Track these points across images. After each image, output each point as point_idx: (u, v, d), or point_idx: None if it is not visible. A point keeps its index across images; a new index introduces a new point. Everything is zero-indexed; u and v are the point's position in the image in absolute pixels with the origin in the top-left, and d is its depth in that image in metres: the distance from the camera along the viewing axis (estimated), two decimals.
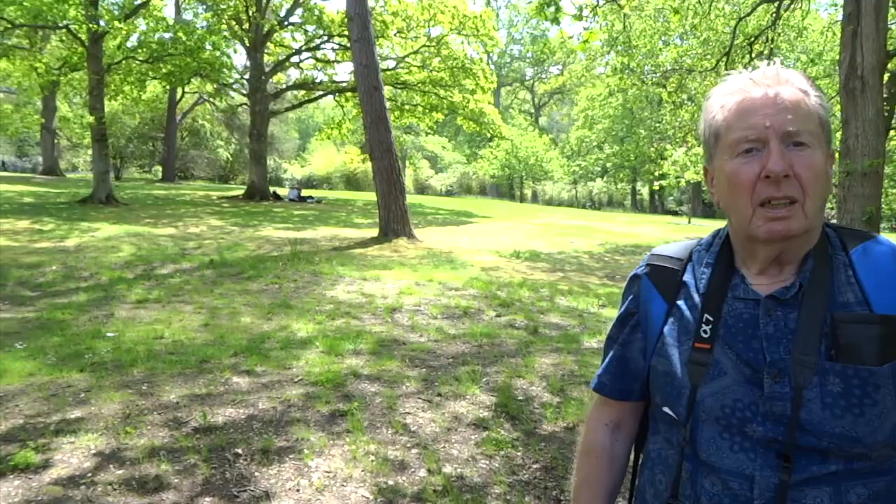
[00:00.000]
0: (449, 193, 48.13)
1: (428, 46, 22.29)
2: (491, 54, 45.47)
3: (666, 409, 1.10)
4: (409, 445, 3.61)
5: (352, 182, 43.29)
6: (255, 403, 4.14)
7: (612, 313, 7.74)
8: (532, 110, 58.09)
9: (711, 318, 1.06)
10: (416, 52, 22.72)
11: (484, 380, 4.76)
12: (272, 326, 6.31)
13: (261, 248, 11.74)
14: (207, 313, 6.83)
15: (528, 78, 56.47)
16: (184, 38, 17.28)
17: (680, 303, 1.13)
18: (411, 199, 15.04)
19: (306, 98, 27.01)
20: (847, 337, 0.97)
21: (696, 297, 1.11)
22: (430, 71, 22.48)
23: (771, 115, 0.99)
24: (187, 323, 6.40)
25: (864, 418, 0.94)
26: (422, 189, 47.55)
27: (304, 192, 26.10)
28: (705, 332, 1.05)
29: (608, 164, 44.69)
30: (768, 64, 1.06)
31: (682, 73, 18.42)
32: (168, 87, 25.57)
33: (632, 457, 1.29)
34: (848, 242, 1.06)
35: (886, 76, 13.58)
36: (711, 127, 1.09)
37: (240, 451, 3.44)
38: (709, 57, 18.23)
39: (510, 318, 7.15)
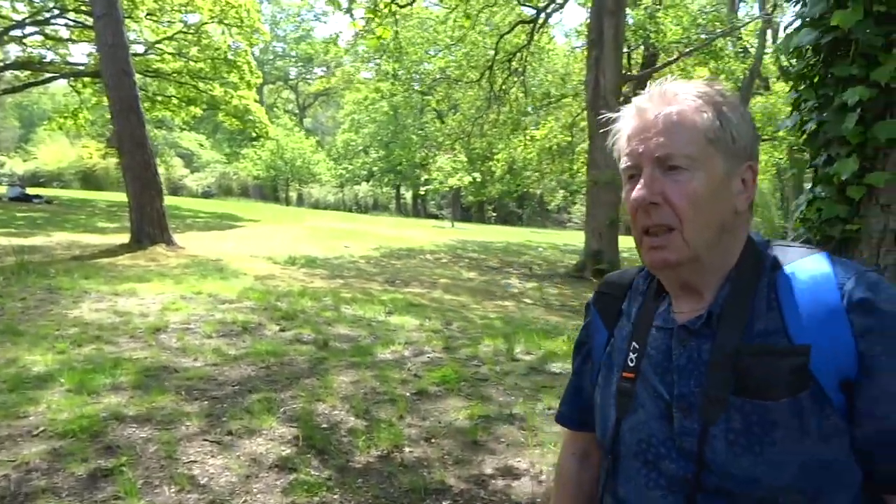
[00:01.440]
0: (206, 195, 44.87)
1: (185, 33, 20.33)
2: (253, 49, 43.34)
3: (600, 441, 1.10)
4: None
5: (90, 180, 38.08)
6: None
7: (399, 320, 7.59)
8: (297, 111, 56.73)
9: (638, 347, 1.02)
10: (170, 39, 20.58)
11: (281, 409, 4.19)
12: None
13: None
14: None
15: (292, 77, 54.99)
16: None
17: (616, 332, 1.10)
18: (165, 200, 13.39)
19: (31, 80, 23.02)
20: (749, 369, 0.89)
21: (629, 327, 1.07)
22: (188, 60, 20.54)
23: (646, 139, 0.94)
24: None
25: (762, 458, 0.86)
26: (175, 190, 43.52)
27: (31, 191, 22.23)
28: (632, 360, 1.02)
29: (374, 169, 45.29)
30: (664, 81, 0.99)
31: (449, 82, 19.20)
32: None
33: None
34: (784, 262, 0.95)
35: (621, 97, 15.44)
36: (615, 151, 1.03)
37: None
38: (473, 69, 19.26)
39: (296, 331, 6.58)
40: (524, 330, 7.33)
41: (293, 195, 50.01)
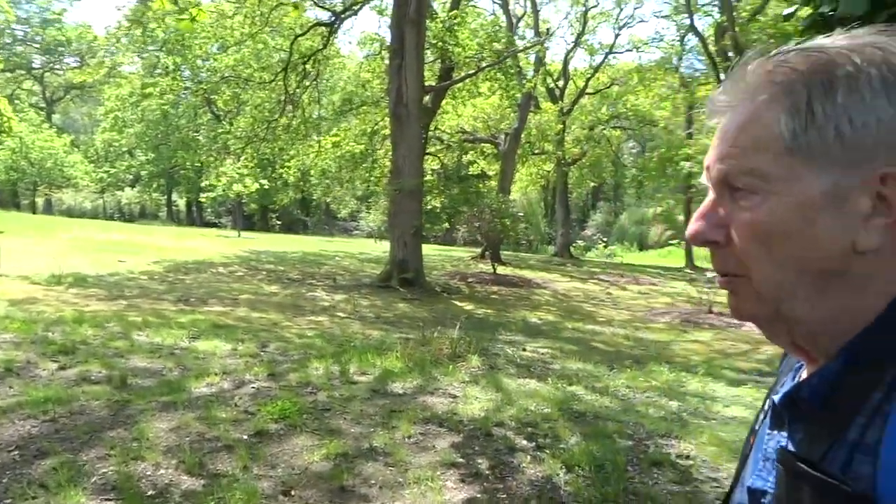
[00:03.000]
0: None
1: None
2: None
3: None
4: None
5: None
6: None
7: (208, 345, 6.68)
8: (43, 105, 49.32)
9: (767, 409, 0.74)
10: None
11: (89, 478, 3.29)
12: None
13: None
14: None
15: (36, 67, 47.65)
16: None
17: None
18: None
19: None
20: (781, 488, 0.64)
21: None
22: None
23: (713, 147, 0.67)
24: None
25: None
26: None
27: None
28: (757, 423, 0.77)
29: (143, 172, 41.00)
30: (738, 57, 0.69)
31: (240, 82, 17.87)
32: None
33: None
34: None
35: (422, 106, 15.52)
36: None
37: None
38: (263, 70, 18.17)
39: (80, 368, 5.44)
40: (351, 347, 6.89)
41: (40, 201, 43.37)
